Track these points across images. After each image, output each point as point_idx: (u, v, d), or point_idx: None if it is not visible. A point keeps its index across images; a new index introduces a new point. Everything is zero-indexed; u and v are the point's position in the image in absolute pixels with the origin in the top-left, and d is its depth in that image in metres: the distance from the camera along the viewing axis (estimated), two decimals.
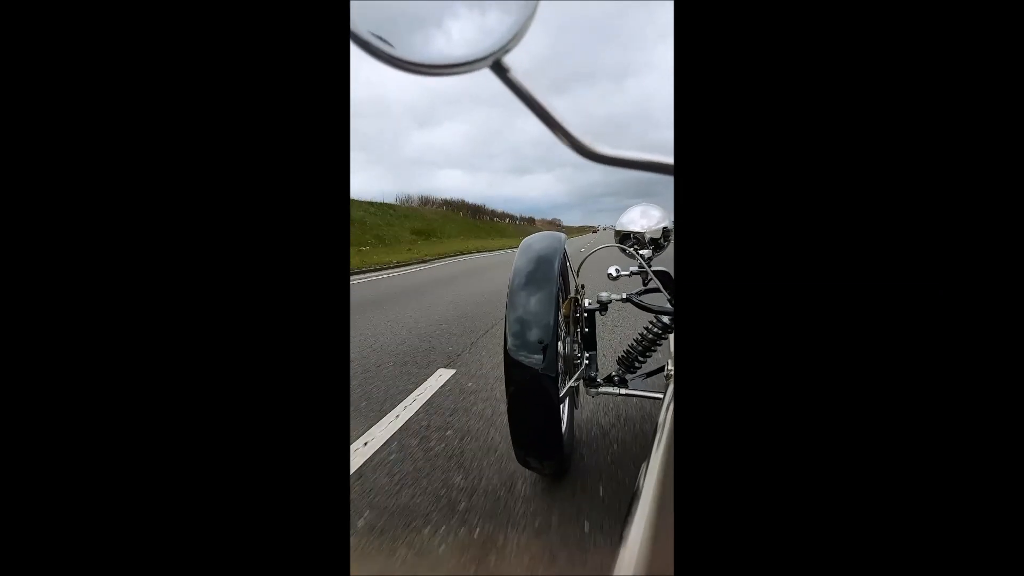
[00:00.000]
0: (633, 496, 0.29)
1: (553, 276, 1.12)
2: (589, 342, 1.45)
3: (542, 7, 0.24)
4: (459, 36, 0.25)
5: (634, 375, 1.45)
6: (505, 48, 0.24)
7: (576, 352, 1.34)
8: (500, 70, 0.25)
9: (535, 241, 1.23)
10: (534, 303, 1.07)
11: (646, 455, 0.33)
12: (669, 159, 0.28)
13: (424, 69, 0.23)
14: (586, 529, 1.12)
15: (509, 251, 17.15)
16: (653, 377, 1.50)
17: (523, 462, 1.19)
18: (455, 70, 0.24)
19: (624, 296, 1.44)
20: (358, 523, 1.16)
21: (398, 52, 0.22)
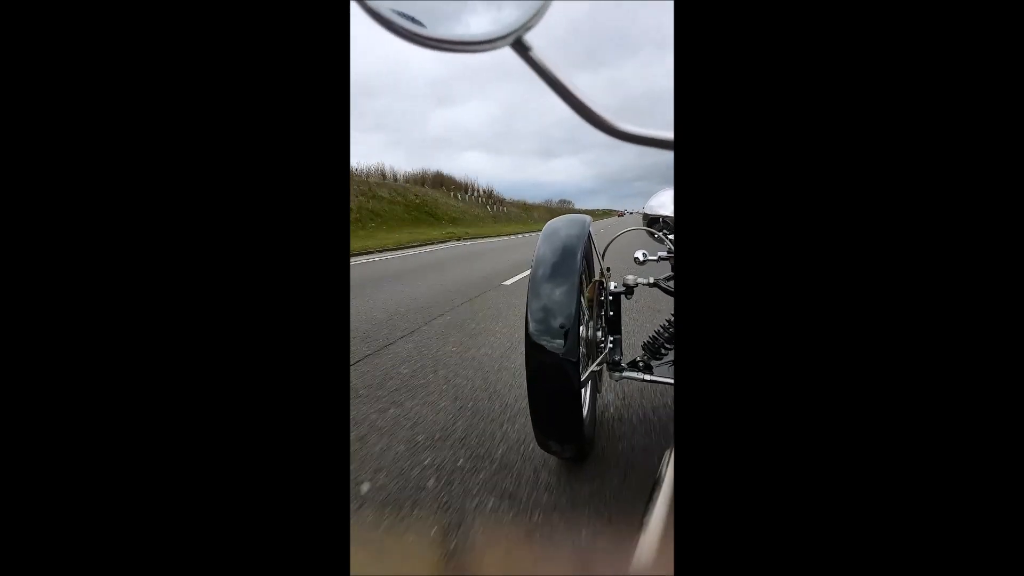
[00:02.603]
0: (655, 483, 0.29)
1: (576, 261, 1.11)
2: (613, 326, 1.44)
3: None
4: (480, 12, 0.24)
5: (660, 362, 1.43)
6: (527, 25, 0.23)
7: (600, 336, 1.33)
8: (522, 48, 0.24)
9: (559, 227, 1.21)
10: (558, 290, 1.06)
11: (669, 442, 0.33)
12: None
13: (444, 45, 0.23)
14: None
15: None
16: None
17: (543, 445, 1.19)
18: (475, 48, 0.23)
19: (651, 280, 1.41)
20: None
21: (417, 28, 0.22)
